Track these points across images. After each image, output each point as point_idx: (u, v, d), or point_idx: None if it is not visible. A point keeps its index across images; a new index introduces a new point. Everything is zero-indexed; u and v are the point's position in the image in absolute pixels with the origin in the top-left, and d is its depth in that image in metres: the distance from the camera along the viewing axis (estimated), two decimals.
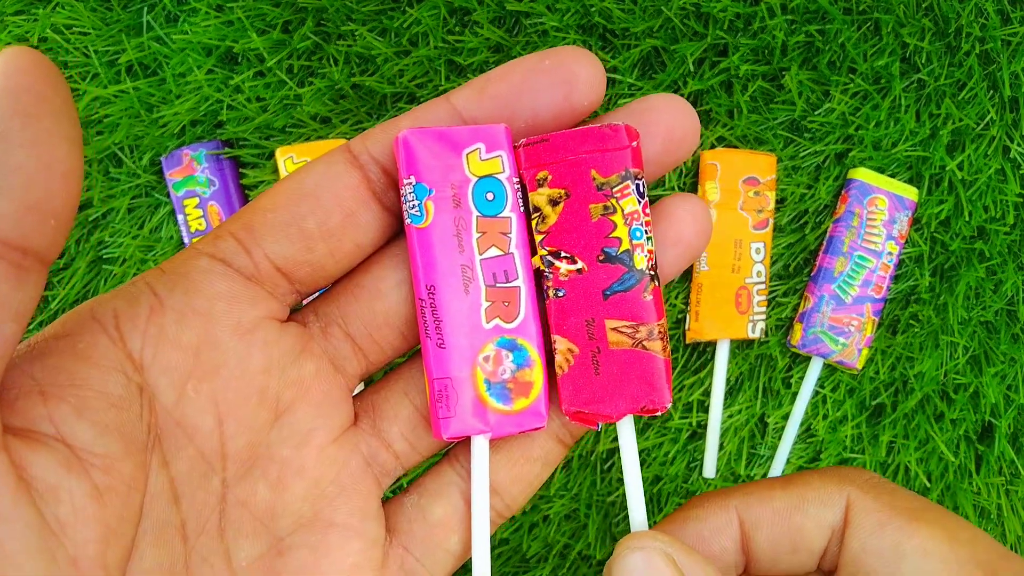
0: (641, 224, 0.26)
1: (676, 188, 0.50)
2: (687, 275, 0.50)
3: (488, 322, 0.26)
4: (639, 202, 0.26)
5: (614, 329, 0.26)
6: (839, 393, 0.50)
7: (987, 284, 0.49)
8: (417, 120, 0.26)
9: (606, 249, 0.26)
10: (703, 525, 0.29)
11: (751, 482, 0.30)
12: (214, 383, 0.24)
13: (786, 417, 0.50)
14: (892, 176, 0.49)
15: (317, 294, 0.28)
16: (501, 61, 0.26)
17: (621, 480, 0.50)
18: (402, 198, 0.26)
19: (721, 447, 0.51)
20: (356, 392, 0.28)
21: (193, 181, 0.48)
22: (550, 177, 0.26)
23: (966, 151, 0.49)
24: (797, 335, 0.49)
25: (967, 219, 0.49)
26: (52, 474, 0.20)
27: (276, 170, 0.48)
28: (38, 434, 0.21)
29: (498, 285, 0.26)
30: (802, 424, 0.50)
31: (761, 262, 0.49)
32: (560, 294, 0.27)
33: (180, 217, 0.48)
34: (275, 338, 0.25)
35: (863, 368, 0.50)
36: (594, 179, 0.26)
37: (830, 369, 0.51)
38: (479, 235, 0.26)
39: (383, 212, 0.26)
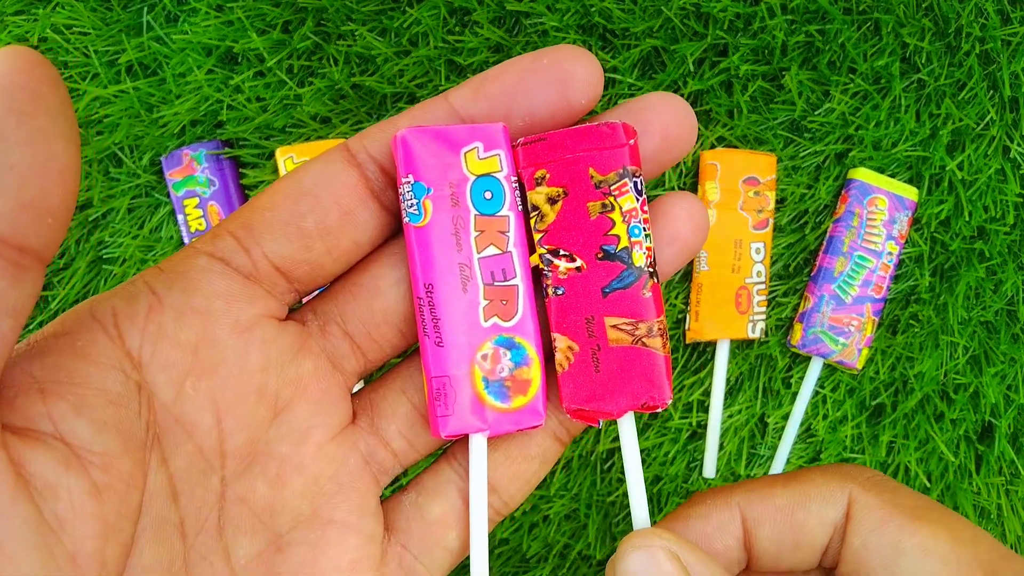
0: (639, 221, 0.26)
1: (676, 188, 0.50)
2: (687, 275, 0.50)
3: (486, 320, 0.26)
4: (637, 199, 0.26)
5: (614, 326, 0.26)
6: (839, 393, 0.50)
7: (987, 284, 0.49)
8: (415, 119, 0.26)
9: (604, 247, 0.26)
10: (706, 523, 0.29)
11: (753, 479, 0.30)
12: (212, 381, 0.24)
13: (786, 417, 0.50)
14: (892, 176, 0.49)
15: (316, 293, 0.28)
16: (501, 61, 0.26)
17: (621, 480, 0.50)
18: (400, 197, 0.26)
19: (721, 447, 0.51)
20: (355, 390, 0.28)
21: (193, 181, 0.48)
22: (548, 176, 0.26)
23: (966, 151, 0.49)
24: (797, 335, 0.49)
25: (967, 219, 0.49)
26: (51, 471, 0.20)
27: (276, 170, 0.48)
28: (37, 432, 0.21)
29: (496, 284, 0.26)
30: (802, 424, 0.50)
31: (761, 262, 0.49)
32: (559, 292, 0.27)
33: (180, 217, 0.48)
34: (273, 336, 0.25)
35: (863, 368, 0.50)
36: (592, 177, 0.26)
37: (830, 369, 0.51)
38: (477, 234, 0.26)
39: (381, 211, 0.26)
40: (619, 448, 0.49)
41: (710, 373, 0.50)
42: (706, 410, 0.50)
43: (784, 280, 0.51)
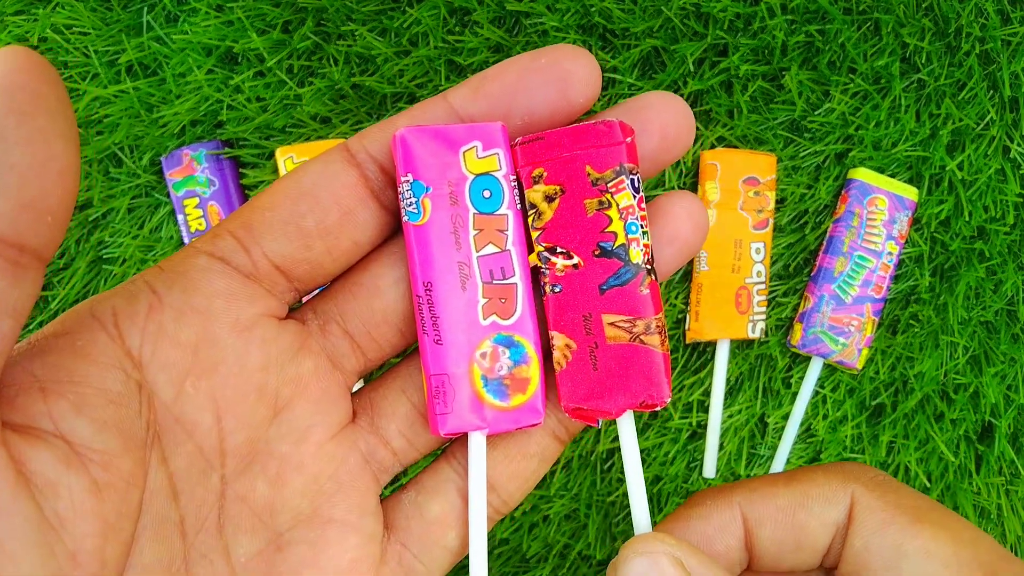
0: (636, 218, 0.26)
1: (677, 188, 0.50)
2: (687, 275, 0.50)
3: (485, 319, 0.26)
4: (634, 197, 0.26)
5: (611, 324, 0.26)
6: (839, 393, 0.50)
7: (987, 284, 0.49)
8: (414, 119, 0.26)
9: (602, 244, 0.26)
10: (707, 524, 0.29)
11: (754, 478, 0.30)
12: (212, 380, 0.24)
13: (786, 417, 0.50)
14: (892, 176, 0.49)
15: (316, 292, 0.28)
16: (501, 61, 0.26)
17: (621, 480, 0.50)
18: (399, 196, 0.26)
19: (721, 447, 0.51)
20: (355, 390, 0.28)
21: (193, 181, 0.48)
22: (546, 174, 0.26)
23: (966, 151, 0.49)
24: (797, 335, 0.49)
25: (967, 219, 0.49)
26: (51, 469, 0.20)
27: (276, 170, 0.48)
28: (37, 430, 0.21)
29: (495, 282, 0.26)
30: (802, 424, 0.50)
31: (761, 262, 0.49)
32: (557, 290, 0.26)
33: (180, 217, 0.48)
34: (273, 335, 0.25)
35: (863, 368, 0.50)
36: (589, 175, 0.26)
37: (830, 369, 0.51)
38: (476, 232, 0.26)
39: (381, 210, 0.26)
40: (619, 448, 0.48)
41: (710, 373, 0.50)
42: (706, 410, 0.50)
43: (784, 280, 0.51)
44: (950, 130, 0.49)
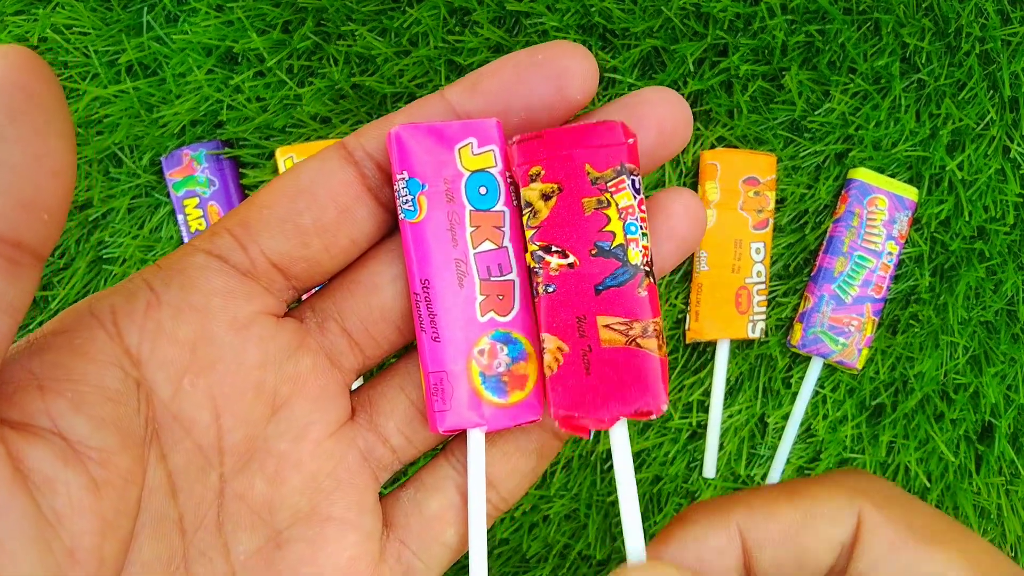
0: (636, 219, 0.25)
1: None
2: (687, 275, 0.50)
3: (483, 315, 0.26)
4: (634, 197, 0.25)
5: (606, 326, 0.25)
6: (839, 393, 0.50)
7: (987, 284, 0.49)
8: (411, 116, 0.26)
9: (599, 243, 0.25)
10: (704, 546, 0.28)
11: (752, 491, 0.29)
12: (210, 378, 0.24)
13: (786, 417, 0.50)
14: (892, 176, 0.49)
15: (314, 290, 0.28)
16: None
17: None
18: (395, 193, 0.26)
19: (721, 447, 0.51)
20: (354, 388, 0.28)
21: (193, 181, 0.48)
22: (543, 172, 0.26)
23: (966, 151, 0.49)
24: (797, 335, 0.49)
25: (967, 219, 0.49)
26: (49, 466, 0.20)
27: (276, 170, 0.48)
28: (35, 427, 0.21)
29: (492, 279, 0.26)
30: (802, 424, 0.50)
31: (761, 262, 0.49)
32: (550, 290, 0.25)
33: (180, 217, 0.48)
34: (271, 333, 0.25)
35: (863, 368, 0.50)
36: (588, 173, 0.25)
37: (830, 369, 0.50)
38: (473, 229, 0.26)
39: (378, 208, 0.26)
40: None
41: (710, 373, 0.50)
42: (706, 410, 0.50)
43: (784, 280, 0.51)
44: (950, 130, 0.49)
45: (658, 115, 0.26)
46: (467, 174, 0.26)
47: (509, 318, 0.26)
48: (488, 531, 0.28)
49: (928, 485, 0.50)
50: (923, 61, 0.49)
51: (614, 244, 0.25)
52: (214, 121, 0.49)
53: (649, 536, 0.50)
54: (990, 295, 0.49)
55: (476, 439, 0.26)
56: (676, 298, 0.50)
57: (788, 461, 0.50)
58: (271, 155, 0.49)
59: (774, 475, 0.50)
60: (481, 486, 0.26)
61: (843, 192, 0.49)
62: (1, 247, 0.18)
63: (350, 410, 0.27)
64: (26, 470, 0.20)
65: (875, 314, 0.49)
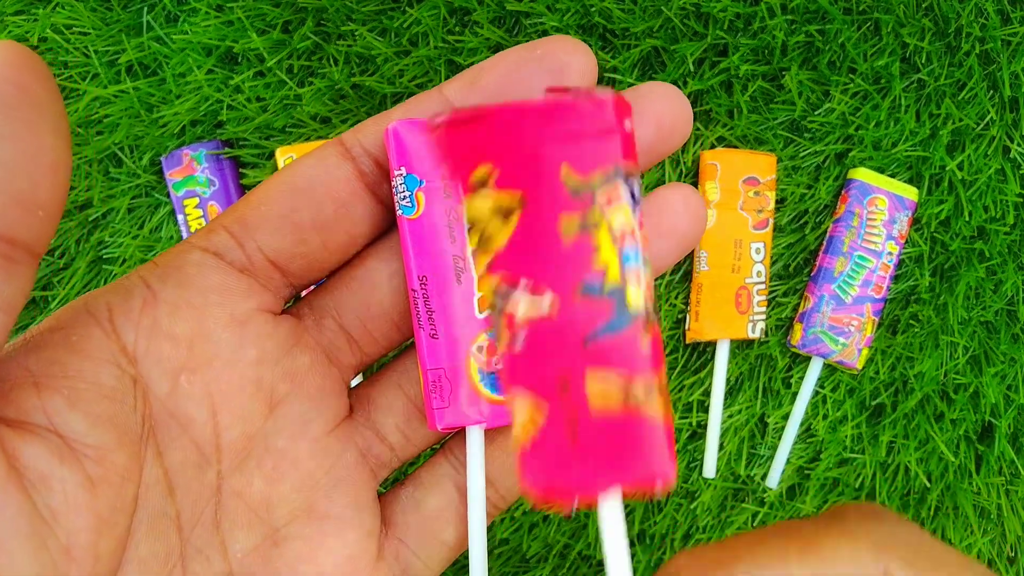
0: (636, 245, 0.19)
1: None
2: (687, 275, 0.50)
3: (481, 312, 0.26)
4: (633, 211, 0.19)
5: (598, 383, 0.19)
6: (839, 393, 0.50)
7: (987, 284, 0.49)
8: (409, 112, 0.26)
9: (587, 282, 0.19)
10: None
11: (755, 539, 0.24)
12: (207, 375, 0.24)
13: (786, 417, 0.50)
14: (892, 176, 0.49)
15: (312, 287, 0.28)
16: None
17: None
18: (393, 190, 0.26)
19: (721, 447, 0.51)
20: (352, 385, 0.28)
21: (193, 181, 0.48)
22: (496, 174, 0.19)
23: (966, 151, 0.49)
24: (797, 335, 0.49)
25: (967, 219, 0.49)
26: (44, 464, 0.20)
27: (276, 170, 0.48)
28: (31, 425, 0.21)
29: None
30: (802, 424, 0.50)
31: (761, 262, 0.49)
32: (517, 348, 0.19)
33: (180, 217, 0.48)
34: (268, 330, 0.25)
35: (863, 368, 0.50)
36: (566, 181, 0.18)
37: (830, 369, 0.50)
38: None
39: (376, 204, 0.26)
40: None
41: (710, 373, 0.50)
42: (706, 410, 0.50)
43: (784, 280, 0.50)
44: (950, 130, 0.49)
45: (656, 109, 0.26)
46: None
47: None
48: (488, 531, 0.28)
49: (928, 485, 0.50)
50: (923, 61, 0.49)
51: (607, 284, 0.19)
52: (214, 121, 0.49)
53: (649, 536, 0.50)
54: (990, 295, 0.49)
55: (475, 436, 0.26)
56: (676, 298, 0.50)
57: (788, 461, 0.50)
58: (271, 155, 0.49)
59: (774, 475, 0.50)
60: (480, 484, 0.26)
61: (843, 192, 0.49)
62: None
63: (348, 407, 0.27)
64: (21, 467, 0.20)
65: (875, 314, 0.48)
